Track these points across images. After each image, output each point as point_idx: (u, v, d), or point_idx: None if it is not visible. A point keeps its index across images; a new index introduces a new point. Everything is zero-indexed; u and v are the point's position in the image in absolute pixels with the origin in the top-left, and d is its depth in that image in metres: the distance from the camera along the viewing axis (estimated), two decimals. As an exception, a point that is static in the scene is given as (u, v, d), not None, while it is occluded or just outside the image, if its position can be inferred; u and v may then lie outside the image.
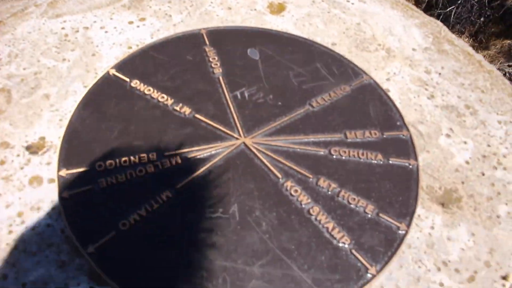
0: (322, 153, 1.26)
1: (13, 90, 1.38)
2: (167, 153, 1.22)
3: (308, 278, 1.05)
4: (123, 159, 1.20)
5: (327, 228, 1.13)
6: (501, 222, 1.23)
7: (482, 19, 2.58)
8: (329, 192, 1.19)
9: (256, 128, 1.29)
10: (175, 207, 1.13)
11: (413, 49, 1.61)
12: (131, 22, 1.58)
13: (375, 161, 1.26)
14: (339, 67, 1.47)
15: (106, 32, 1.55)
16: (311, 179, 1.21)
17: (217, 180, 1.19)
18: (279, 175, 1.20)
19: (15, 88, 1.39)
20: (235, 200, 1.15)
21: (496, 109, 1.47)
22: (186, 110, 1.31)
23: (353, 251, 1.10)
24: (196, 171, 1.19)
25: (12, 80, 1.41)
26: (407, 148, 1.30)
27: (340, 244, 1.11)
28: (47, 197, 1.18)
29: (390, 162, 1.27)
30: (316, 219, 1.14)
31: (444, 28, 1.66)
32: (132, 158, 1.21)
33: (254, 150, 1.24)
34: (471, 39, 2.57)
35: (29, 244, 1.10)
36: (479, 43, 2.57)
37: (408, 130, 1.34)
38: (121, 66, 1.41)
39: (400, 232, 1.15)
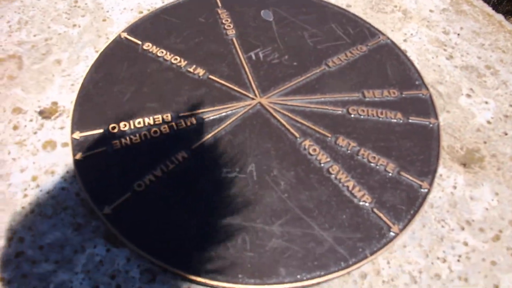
0: (340, 112, 1.23)
1: (24, 57, 1.36)
2: (181, 114, 1.19)
3: (329, 237, 1.03)
4: (137, 120, 1.18)
5: (347, 186, 1.10)
6: (526, 181, 1.19)
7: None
8: (348, 151, 1.16)
9: (271, 88, 1.26)
10: (191, 168, 1.10)
11: (431, 10, 1.56)
12: (142, -13, 1.55)
13: (395, 120, 1.23)
14: (354, 28, 1.43)
15: (116, -4, 1.52)
16: (329, 138, 1.18)
17: (233, 140, 1.16)
18: (297, 134, 1.17)
19: (26, 54, 1.37)
20: (252, 159, 1.12)
21: (518, 68, 1.42)
22: (200, 71, 1.28)
23: (375, 209, 1.07)
24: (212, 131, 1.16)
25: (23, 46, 1.38)
26: (427, 107, 1.26)
27: (361, 203, 1.08)
28: (61, 160, 1.16)
29: (410, 121, 1.23)
30: (335, 178, 1.11)
31: (463, -12, 1.61)
32: (146, 119, 1.18)
33: (271, 110, 1.21)
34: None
35: (44, 208, 1.09)
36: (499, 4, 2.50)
37: (427, 89, 1.30)
38: (133, 29, 1.38)
39: (422, 190, 1.11)
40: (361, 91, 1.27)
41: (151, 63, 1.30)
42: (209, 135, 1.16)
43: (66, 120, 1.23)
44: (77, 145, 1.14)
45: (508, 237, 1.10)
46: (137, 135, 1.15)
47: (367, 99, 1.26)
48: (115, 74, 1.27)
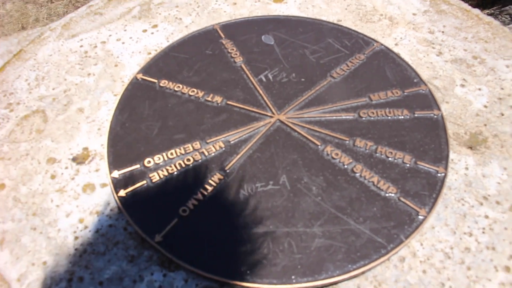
0: (352, 117, 1.34)
1: (47, 110, 1.45)
2: (209, 140, 1.29)
3: (366, 229, 1.12)
4: (169, 152, 1.27)
5: (373, 182, 1.20)
6: (529, 154, 1.31)
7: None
8: (367, 150, 1.26)
9: (286, 105, 1.37)
10: (228, 187, 1.19)
11: (414, 14, 1.70)
12: (145, 30, 1.66)
13: (402, 117, 1.34)
14: (349, 39, 1.56)
15: (123, 43, 1.62)
16: (347, 142, 1.28)
17: (262, 156, 1.26)
18: (318, 143, 1.28)
19: (48, 107, 1.45)
20: (282, 171, 1.22)
21: (502, 55, 1.55)
22: (218, 99, 1.38)
23: (401, 198, 1.17)
24: (240, 151, 1.26)
25: (44, 100, 1.47)
26: (428, 100, 1.38)
27: (388, 194, 1.18)
28: (103, 200, 1.24)
29: (416, 115, 1.34)
30: (360, 176, 1.21)
31: (438, -11, 1.76)
32: (177, 150, 1.27)
33: (290, 124, 1.32)
34: None
35: (96, 246, 1.16)
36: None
37: (426, 84, 1.42)
38: (147, 70, 1.48)
39: (439, 175, 1.22)
40: (367, 95, 1.39)
41: (171, 98, 1.39)
42: (239, 155, 1.25)
43: (100, 162, 1.31)
44: (117, 183, 1.22)
45: (524, 206, 1.21)
46: (172, 165, 1.24)
47: (374, 101, 1.38)
48: (139, 113, 1.36)
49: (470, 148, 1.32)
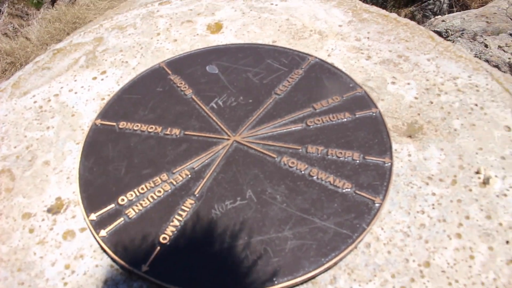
0: (300, 127, 1.47)
1: (13, 168, 1.50)
2: (174, 170, 1.39)
3: (331, 224, 1.24)
4: (140, 187, 1.35)
5: (329, 181, 1.33)
6: (459, 133, 1.48)
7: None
8: (319, 155, 1.40)
9: (239, 126, 1.48)
10: (201, 209, 1.29)
11: (339, 26, 1.87)
12: (94, 78, 1.74)
13: (345, 119, 1.49)
14: (286, 57, 1.70)
15: (75, 93, 1.69)
16: (300, 150, 1.41)
17: (226, 176, 1.36)
18: (274, 155, 1.40)
19: (14, 165, 1.50)
20: (247, 187, 1.33)
21: (422, 50, 1.74)
22: (176, 131, 1.48)
23: (357, 191, 1.31)
24: (205, 175, 1.36)
25: (8, 160, 1.52)
26: (365, 101, 1.54)
27: (345, 190, 1.31)
28: (85, 243, 1.31)
29: (357, 115, 1.49)
30: (317, 178, 1.34)
31: (358, 1, 1.94)
32: (147, 184, 1.36)
33: (246, 143, 1.43)
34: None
35: (87, 287, 1.22)
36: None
37: (361, 87, 1.58)
38: (104, 115, 1.56)
39: (386, 165, 1.37)
40: (311, 105, 1.53)
41: (132, 138, 1.48)
42: (205, 179, 1.36)
43: (75, 209, 1.38)
44: (96, 225, 1.30)
45: (462, 178, 1.37)
46: (145, 199, 1.33)
47: (317, 110, 1.52)
48: (104, 156, 1.44)
49: (410, 136, 1.48)
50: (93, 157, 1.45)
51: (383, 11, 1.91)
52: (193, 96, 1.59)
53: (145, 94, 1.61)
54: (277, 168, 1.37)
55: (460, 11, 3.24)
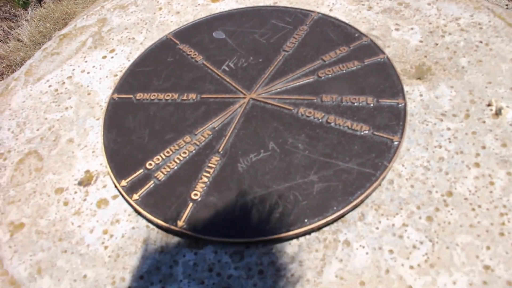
0: (313, 79, 1.51)
1: (39, 149, 1.54)
2: (196, 132, 1.43)
3: (354, 165, 1.29)
4: (165, 151, 1.40)
5: (347, 126, 1.38)
6: (467, 70, 1.52)
7: None
8: (334, 102, 1.44)
9: (253, 84, 1.53)
10: (227, 165, 1.34)
11: (337, -19, 1.90)
12: (104, 57, 1.78)
13: (355, 67, 1.53)
14: (290, 16, 1.74)
15: (88, 73, 1.73)
16: (315, 100, 1.45)
17: (247, 132, 1.41)
18: (291, 108, 1.44)
19: (39, 147, 1.55)
20: (268, 139, 1.38)
21: (421, -4, 1.77)
22: (193, 96, 1.53)
23: (375, 132, 1.35)
24: (227, 133, 1.41)
25: (33, 142, 1.57)
26: (372, 48, 1.58)
27: (363, 133, 1.36)
28: (119, 209, 1.36)
29: (366, 63, 1.53)
30: (335, 124, 1.39)
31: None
32: (171, 148, 1.41)
33: (262, 99, 1.48)
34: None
35: (127, 248, 1.28)
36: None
37: (366, 36, 1.62)
38: (120, 89, 1.60)
39: (400, 106, 1.41)
40: (320, 58, 1.57)
41: (150, 107, 1.53)
42: (227, 137, 1.40)
43: (105, 179, 1.43)
44: (128, 190, 1.35)
45: (475, 112, 1.41)
46: (172, 161, 1.38)
47: (327, 61, 1.56)
48: (126, 127, 1.49)
49: (419, 78, 1.52)
50: (116, 129, 1.49)
51: (379, -38, 1.93)
52: (204, 62, 1.63)
53: (157, 65, 1.65)
54: (295, 119, 1.41)
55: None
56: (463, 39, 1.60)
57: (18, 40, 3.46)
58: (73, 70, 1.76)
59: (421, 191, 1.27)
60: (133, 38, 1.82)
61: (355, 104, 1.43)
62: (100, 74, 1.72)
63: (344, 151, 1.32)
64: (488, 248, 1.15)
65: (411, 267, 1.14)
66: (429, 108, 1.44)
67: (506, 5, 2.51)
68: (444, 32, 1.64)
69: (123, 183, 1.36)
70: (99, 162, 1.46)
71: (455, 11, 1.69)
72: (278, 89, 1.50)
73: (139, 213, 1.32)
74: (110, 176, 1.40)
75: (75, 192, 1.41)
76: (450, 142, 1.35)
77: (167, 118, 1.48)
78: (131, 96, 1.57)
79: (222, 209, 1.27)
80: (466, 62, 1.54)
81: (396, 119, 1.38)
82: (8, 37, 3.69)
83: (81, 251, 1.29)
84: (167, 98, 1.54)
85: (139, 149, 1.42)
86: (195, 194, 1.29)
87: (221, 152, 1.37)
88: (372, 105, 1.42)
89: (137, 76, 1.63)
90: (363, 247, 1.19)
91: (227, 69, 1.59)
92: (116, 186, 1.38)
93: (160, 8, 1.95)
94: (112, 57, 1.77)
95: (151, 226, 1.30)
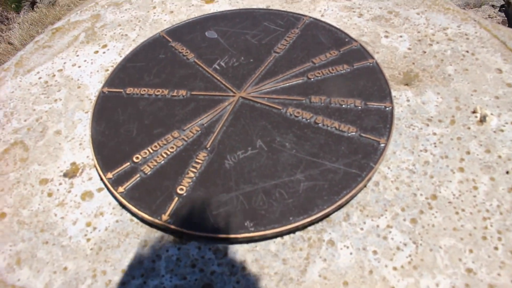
0: (302, 80, 1.53)
1: (26, 139, 1.53)
2: (185, 128, 1.43)
3: (340, 165, 1.30)
4: (153, 145, 1.40)
5: (335, 127, 1.39)
6: (453, 78, 1.55)
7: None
8: (323, 104, 1.45)
9: (243, 83, 1.54)
10: (214, 161, 1.34)
11: (330, -12, 1.93)
12: (96, 52, 1.78)
13: (344, 71, 1.55)
14: (282, 19, 1.76)
15: (79, 67, 1.73)
16: (304, 101, 1.47)
17: (235, 129, 1.42)
18: (280, 107, 1.45)
19: (26, 137, 1.54)
20: (256, 137, 1.38)
21: (411, 6, 1.81)
22: (182, 92, 1.53)
23: (362, 134, 1.37)
24: (215, 130, 1.41)
25: (19, 132, 1.55)
26: (362, 53, 1.60)
27: (350, 134, 1.37)
28: (104, 201, 1.35)
29: (355, 66, 1.55)
30: (323, 125, 1.40)
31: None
32: (159, 142, 1.41)
33: (251, 98, 1.49)
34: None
35: (109, 241, 1.27)
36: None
37: (356, 41, 1.64)
38: (110, 83, 1.60)
39: (387, 109, 1.43)
40: (310, 60, 1.58)
41: (140, 101, 1.53)
42: (215, 133, 1.41)
43: (90, 172, 1.42)
44: (113, 183, 1.34)
45: (460, 118, 1.43)
46: (159, 155, 1.37)
47: (317, 64, 1.57)
48: (114, 120, 1.49)
49: (407, 84, 1.55)
50: (104, 122, 1.49)
51: (372, -29, 1.96)
52: (196, 60, 1.64)
53: (149, 61, 1.66)
54: (283, 119, 1.42)
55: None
56: (450, 48, 1.63)
57: (9, 43, 3.45)
58: (64, 63, 1.76)
59: (406, 194, 1.28)
60: (126, 35, 1.83)
61: (344, 106, 1.44)
62: (91, 68, 1.72)
63: (331, 151, 1.33)
64: (471, 251, 1.16)
65: (395, 268, 1.15)
66: (416, 113, 1.46)
67: (489, 15, 2.56)
68: (432, 41, 1.66)
69: (109, 175, 1.35)
70: (86, 155, 1.46)
71: (443, 21, 1.72)
72: (268, 89, 1.51)
73: (123, 206, 1.32)
74: (96, 169, 1.39)
75: (60, 184, 1.40)
76: (435, 146, 1.37)
77: (156, 113, 1.49)
78: (121, 90, 1.57)
79: (207, 204, 1.26)
80: (453, 70, 1.56)
81: (383, 122, 1.39)
82: (-2, 40, 3.67)
83: (62, 242, 1.28)
84: (157, 93, 1.54)
85: (127, 142, 1.42)
86: (181, 189, 1.29)
87: (209, 148, 1.37)
88: (360, 107, 1.43)
89: (128, 71, 1.64)
90: (347, 247, 1.20)
91: (218, 67, 1.60)
92: (102, 179, 1.37)
93: (154, 7, 1.96)
94: (104, 52, 1.77)
95: (135, 219, 1.30)
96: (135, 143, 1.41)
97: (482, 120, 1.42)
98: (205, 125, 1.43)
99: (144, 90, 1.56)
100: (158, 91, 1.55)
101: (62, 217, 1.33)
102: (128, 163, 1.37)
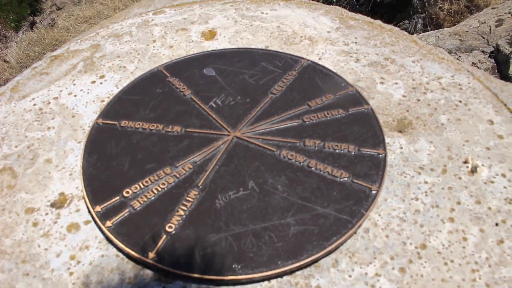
0: (297, 123, 1.54)
1: (15, 166, 1.52)
2: (177, 164, 1.43)
3: (331, 211, 1.30)
4: (144, 181, 1.39)
5: (328, 172, 1.39)
6: (446, 127, 1.57)
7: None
8: (316, 148, 1.46)
9: (239, 123, 1.54)
10: (205, 200, 1.33)
11: (328, 32, 1.96)
12: (93, 82, 1.78)
13: (339, 115, 1.56)
14: (280, 61, 1.78)
15: (75, 96, 1.73)
16: (298, 143, 1.47)
17: (228, 169, 1.41)
18: (273, 149, 1.46)
19: (15, 164, 1.52)
20: (248, 178, 1.38)
21: (407, 53, 1.84)
22: (177, 128, 1.53)
23: (354, 180, 1.37)
24: (208, 168, 1.41)
25: (9, 158, 1.54)
26: (357, 98, 1.62)
27: (343, 179, 1.37)
28: (90, 235, 1.33)
29: (350, 112, 1.57)
30: (316, 169, 1.40)
31: (344, 10, 2.05)
32: (151, 177, 1.40)
33: (246, 138, 1.49)
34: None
35: (93, 276, 1.24)
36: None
37: (352, 86, 1.66)
38: (105, 114, 1.60)
39: (380, 156, 1.44)
40: (306, 103, 1.60)
41: (134, 135, 1.52)
42: (207, 172, 1.40)
43: (79, 203, 1.40)
44: (101, 216, 1.32)
45: (451, 168, 1.44)
46: (149, 191, 1.36)
47: (312, 107, 1.59)
48: (107, 153, 1.48)
49: (400, 131, 1.56)
50: (96, 154, 1.48)
51: (368, 18, 2.01)
52: (192, 97, 1.65)
53: (145, 95, 1.66)
54: (277, 161, 1.42)
55: (434, 30, 3.41)
56: (444, 98, 1.65)
57: (5, 61, 3.46)
58: (61, 91, 1.76)
59: (395, 242, 1.27)
60: (124, 67, 1.84)
61: (337, 150, 1.45)
62: (87, 98, 1.72)
63: (322, 196, 1.33)
64: (458, 304, 1.15)
65: (381, 318, 1.13)
66: (408, 160, 1.47)
67: (479, 60, 2.62)
68: (426, 89, 1.69)
69: (98, 208, 1.34)
70: (75, 186, 1.44)
71: (437, 71, 1.76)
72: (263, 130, 1.51)
73: (110, 241, 1.29)
74: (85, 201, 1.38)
75: (46, 214, 1.38)
76: (426, 195, 1.37)
77: (149, 147, 1.48)
78: (116, 122, 1.57)
79: (195, 244, 1.25)
80: (446, 120, 1.58)
81: (375, 169, 1.40)
82: (-5, 57, 3.69)
83: (44, 275, 1.25)
84: (152, 128, 1.54)
85: (118, 176, 1.41)
86: (170, 227, 1.28)
87: (200, 187, 1.37)
88: (353, 153, 1.44)
89: (124, 103, 1.64)
90: (335, 294, 1.18)
91: (214, 105, 1.61)
92: (89, 211, 1.35)
93: (154, 41, 1.98)
94: (101, 83, 1.78)
95: (121, 255, 1.28)
96: (127, 177, 1.40)
97: (473, 170, 1.43)
98: (198, 163, 1.43)
99: (139, 124, 1.56)
100: (153, 125, 1.55)
101: (45, 249, 1.31)
102: (118, 197, 1.35)
